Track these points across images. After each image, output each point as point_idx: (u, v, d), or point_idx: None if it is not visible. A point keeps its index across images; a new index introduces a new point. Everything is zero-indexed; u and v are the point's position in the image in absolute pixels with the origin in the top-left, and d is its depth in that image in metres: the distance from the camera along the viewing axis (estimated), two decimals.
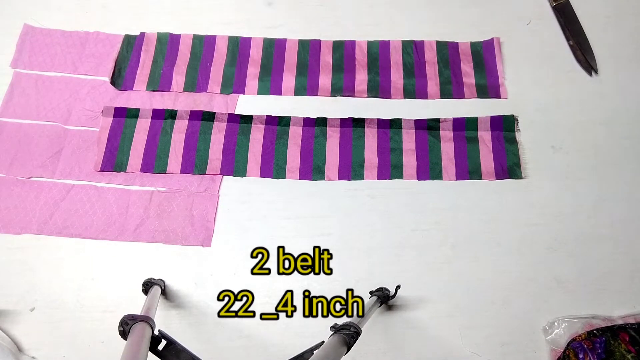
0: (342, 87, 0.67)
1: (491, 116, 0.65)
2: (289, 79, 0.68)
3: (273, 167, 0.63)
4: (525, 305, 0.56)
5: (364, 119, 0.65)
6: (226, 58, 0.69)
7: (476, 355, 0.54)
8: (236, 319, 0.56)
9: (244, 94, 0.67)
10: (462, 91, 0.67)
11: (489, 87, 0.67)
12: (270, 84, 0.68)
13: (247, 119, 0.65)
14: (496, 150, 0.63)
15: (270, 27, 0.71)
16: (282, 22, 0.72)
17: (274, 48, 0.70)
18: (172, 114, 0.65)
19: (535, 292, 0.57)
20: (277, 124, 0.65)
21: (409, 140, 0.64)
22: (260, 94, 0.67)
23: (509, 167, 0.62)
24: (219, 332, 0.55)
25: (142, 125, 0.65)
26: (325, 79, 0.68)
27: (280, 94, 0.67)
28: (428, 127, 0.65)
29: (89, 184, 0.62)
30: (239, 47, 0.70)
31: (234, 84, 0.68)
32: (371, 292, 0.54)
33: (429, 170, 0.63)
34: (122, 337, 0.39)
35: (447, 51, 0.69)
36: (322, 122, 0.65)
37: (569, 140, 0.64)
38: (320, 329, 0.44)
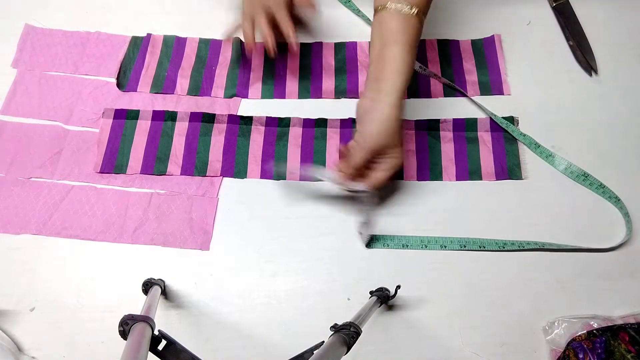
0: (346, 89, 0.67)
1: (491, 117, 0.65)
2: (292, 83, 0.68)
3: (273, 169, 0.63)
4: (525, 305, 0.56)
5: None
6: (230, 62, 0.69)
7: (476, 355, 0.54)
8: (236, 319, 0.56)
9: (247, 98, 0.67)
10: (465, 89, 0.67)
11: (491, 84, 0.67)
12: (274, 88, 0.67)
13: (247, 120, 0.65)
14: (496, 150, 0.63)
15: None
16: None
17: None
18: (172, 116, 0.65)
19: (535, 292, 0.57)
20: (277, 125, 0.65)
21: (408, 141, 0.64)
22: (264, 98, 0.67)
23: (509, 167, 0.62)
24: (219, 332, 0.55)
25: (142, 127, 0.65)
26: (328, 82, 0.68)
27: (284, 97, 0.67)
28: (428, 128, 0.65)
29: (88, 185, 0.62)
30: (242, 51, 0.70)
31: (237, 88, 0.68)
32: (371, 292, 0.54)
33: (429, 170, 0.63)
34: (122, 337, 0.39)
35: (449, 49, 0.70)
36: (322, 123, 0.65)
37: (569, 140, 0.64)
38: (320, 329, 0.44)
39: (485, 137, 0.64)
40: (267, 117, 0.65)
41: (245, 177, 0.62)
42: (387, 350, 0.55)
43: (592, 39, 0.69)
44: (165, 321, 0.56)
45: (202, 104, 0.67)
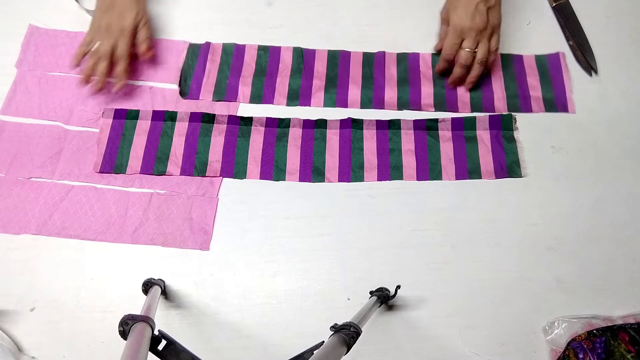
0: (409, 101, 0.67)
1: (489, 115, 0.65)
2: (354, 92, 0.68)
3: (273, 169, 0.63)
4: (525, 305, 0.56)
5: (362, 120, 0.65)
6: (291, 70, 0.69)
7: (476, 355, 0.54)
8: (236, 319, 0.56)
9: (310, 106, 0.67)
10: (530, 105, 0.66)
11: (556, 101, 0.67)
12: (336, 97, 0.67)
13: (247, 121, 0.65)
14: (495, 149, 0.63)
15: (270, 27, 0.72)
16: (282, 22, 0.72)
17: (338, 60, 0.69)
18: (172, 116, 0.65)
19: (535, 292, 0.57)
20: (277, 126, 0.65)
21: (407, 141, 0.64)
22: (326, 107, 0.67)
23: (508, 165, 0.62)
24: (219, 332, 0.55)
25: (142, 127, 0.65)
26: (390, 92, 0.67)
27: (346, 106, 0.67)
28: (427, 128, 0.65)
29: (88, 185, 0.62)
30: (303, 58, 0.69)
31: (299, 96, 0.67)
32: (371, 292, 0.54)
33: (429, 170, 0.63)
34: (122, 337, 0.39)
35: (512, 65, 0.69)
36: (321, 124, 0.65)
37: (569, 140, 0.64)
38: (320, 329, 0.44)
39: (483, 136, 0.64)
40: (267, 118, 0.65)
41: (245, 178, 0.62)
42: (387, 350, 0.55)
43: (592, 39, 0.69)
44: (165, 321, 0.56)
45: (202, 104, 0.67)
